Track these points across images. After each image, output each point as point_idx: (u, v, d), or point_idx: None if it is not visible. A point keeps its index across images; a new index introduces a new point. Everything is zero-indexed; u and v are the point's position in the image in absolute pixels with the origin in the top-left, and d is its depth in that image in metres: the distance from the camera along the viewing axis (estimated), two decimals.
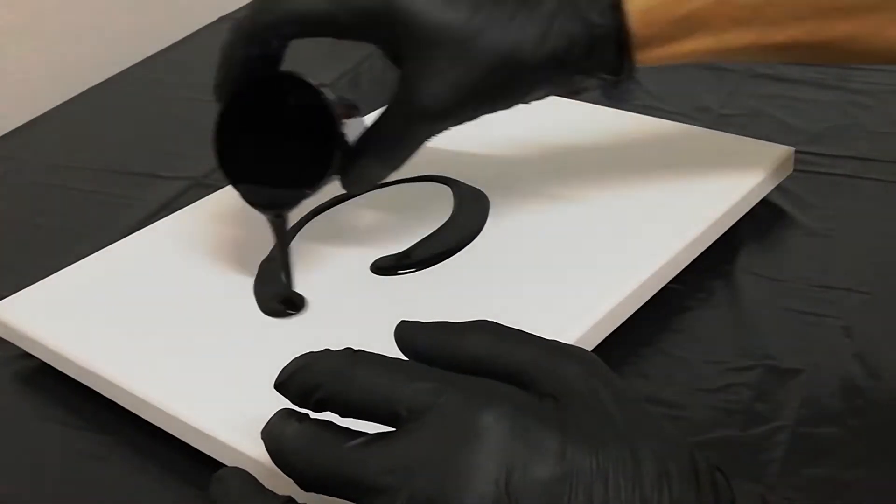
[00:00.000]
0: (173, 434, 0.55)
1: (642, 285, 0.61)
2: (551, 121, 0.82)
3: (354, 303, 0.61)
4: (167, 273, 0.66)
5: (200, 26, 1.19)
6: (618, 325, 0.60)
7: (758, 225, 0.71)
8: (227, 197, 0.75)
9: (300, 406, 0.40)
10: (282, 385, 0.40)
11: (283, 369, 0.41)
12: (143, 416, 0.56)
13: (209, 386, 0.55)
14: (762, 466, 0.52)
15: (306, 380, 0.39)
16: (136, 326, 0.61)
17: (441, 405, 0.36)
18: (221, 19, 1.21)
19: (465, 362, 0.39)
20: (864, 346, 0.60)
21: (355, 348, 0.40)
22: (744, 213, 0.70)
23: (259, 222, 0.70)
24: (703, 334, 0.62)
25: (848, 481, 0.51)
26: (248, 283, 0.64)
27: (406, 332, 0.42)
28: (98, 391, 0.59)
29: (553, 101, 0.86)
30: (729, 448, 0.53)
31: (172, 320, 0.61)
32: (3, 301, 0.64)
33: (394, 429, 0.37)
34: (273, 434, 0.39)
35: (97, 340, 0.60)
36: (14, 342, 0.63)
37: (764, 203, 0.72)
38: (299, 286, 0.63)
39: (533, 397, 0.37)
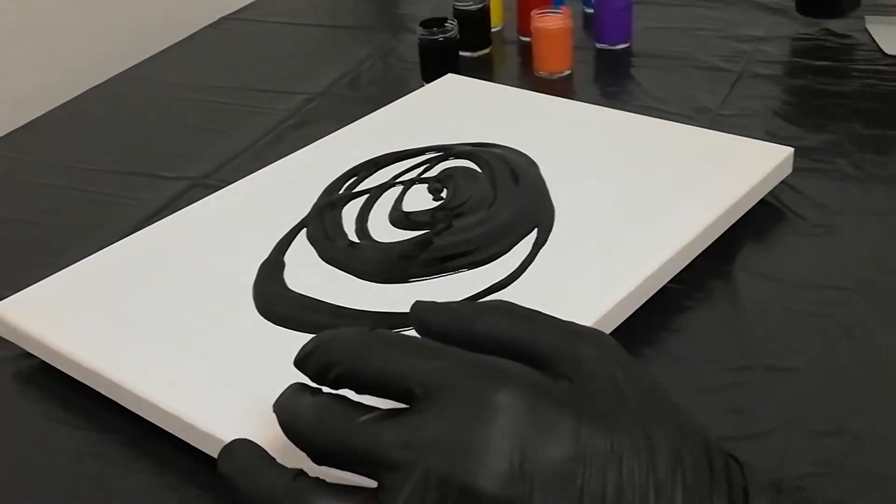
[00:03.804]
0: (173, 433, 0.55)
1: (642, 285, 0.61)
2: (550, 121, 0.82)
3: (354, 303, 0.61)
4: (167, 273, 0.66)
5: (200, 26, 1.19)
6: (618, 324, 0.60)
7: (757, 225, 0.71)
8: (227, 197, 0.75)
9: (318, 383, 0.40)
10: (300, 362, 0.41)
11: (301, 347, 0.41)
12: (143, 415, 0.56)
13: (209, 385, 0.55)
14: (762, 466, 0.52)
15: (324, 357, 0.40)
16: (136, 326, 0.61)
17: (456, 383, 0.36)
18: (221, 19, 1.21)
19: (481, 342, 0.39)
20: (864, 346, 0.60)
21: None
22: (743, 213, 0.70)
23: (259, 223, 0.71)
24: (703, 334, 0.62)
25: (848, 481, 0.51)
26: (248, 283, 0.64)
27: (421, 312, 0.42)
28: (98, 390, 0.59)
29: (552, 100, 0.86)
30: (728, 448, 0.53)
31: (172, 320, 0.61)
32: (3, 301, 0.64)
33: (408, 406, 0.37)
34: (286, 407, 0.39)
35: (97, 340, 0.60)
36: (15, 342, 0.63)
37: (763, 203, 0.72)
38: (298, 287, 0.63)
39: (548, 378, 0.37)
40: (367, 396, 0.39)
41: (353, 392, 0.39)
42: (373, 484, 0.37)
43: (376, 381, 0.38)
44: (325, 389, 0.40)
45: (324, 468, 0.38)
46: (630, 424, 0.36)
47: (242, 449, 0.40)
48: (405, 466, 0.35)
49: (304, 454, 0.39)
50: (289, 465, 0.39)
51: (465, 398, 0.36)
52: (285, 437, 0.40)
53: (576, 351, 0.38)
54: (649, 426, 0.36)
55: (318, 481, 0.38)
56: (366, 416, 0.37)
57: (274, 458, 0.39)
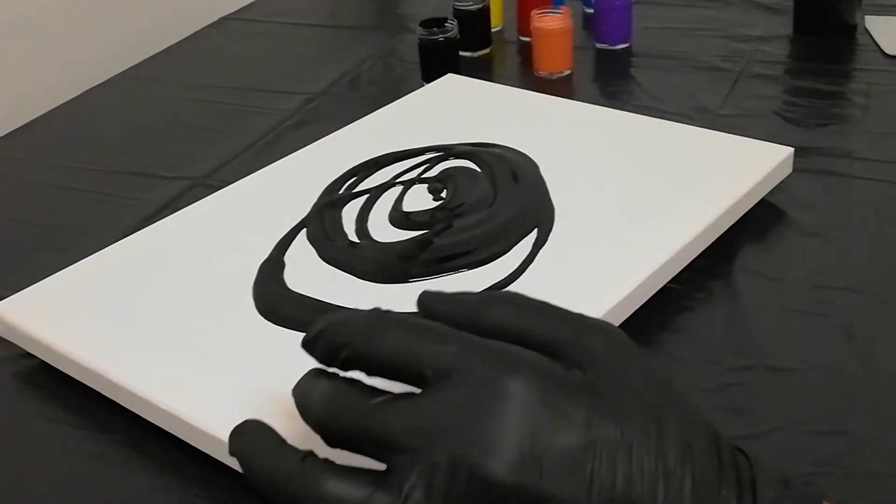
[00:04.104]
0: (173, 433, 0.55)
1: (642, 285, 0.61)
2: (550, 121, 0.82)
3: (354, 303, 0.61)
4: (167, 273, 0.66)
5: (200, 26, 1.19)
6: (618, 324, 0.60)
7: (757, 225, 0.71)
8: (227, 197, 0.75)
9: (327, 364, 0.40)
10: (309, 343, 0.40)
11: (311, 327, 0.40)
12: (143, 416, 0.56)
13: (208, 385, 0.55)
14: None
15: (334, 338, 0.39)
16: (136, 326, 0.61)
17: (467, 368, 0.36)
18: (221, 19, 1.21)
19: (491, 332, 0.39)
20: (864, 346, 0.60)
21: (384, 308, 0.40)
22: (743, 213, 0.70)
23: (259, 223, 0.71)
24: (703, 334, 0.62)
25: (848, 481, 0.51)
26: (248, 283, 0.64)
27: (428, 301, 0.41)
28: (98, 391, 0.59)
29: (552, 100, 0.86)
30: None
31: (172, 320, 0.61)
32: (3, 301, 0.64)
33: (419, 389, 0.37)
34: (302, 391, 0.39)
35: (97, 340, 0.60)
36: (14, 342, 0.63)
37: (763, 203, 0.72)
38: (298, 287, 0.63)
39: (560, 367, 0.37)
40: (379, 380, 0.39)
41: (364, 375, 0.39)
42: (382, 466, 0.37)
43: (387, 363, 0.38)
44: (341, 374, 0.39)
45: (335, 450, 0.38)
46: (641, 414, 0.35)
47: (254, 429, 0.40)
48: (414, 451, 0.35)
49: (318, 439, 0.39)
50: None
51: (477, 383, 0.36)
52: (290, 428, 0.40)
53: (586, 341, 0.38)
54: (660, 416, 0.36)
55: (328, 462, 0.37)
56: (377, 400, 0.37)
57: (284, 440, 0.39)
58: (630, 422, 0.35)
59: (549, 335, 0.38)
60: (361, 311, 0.40)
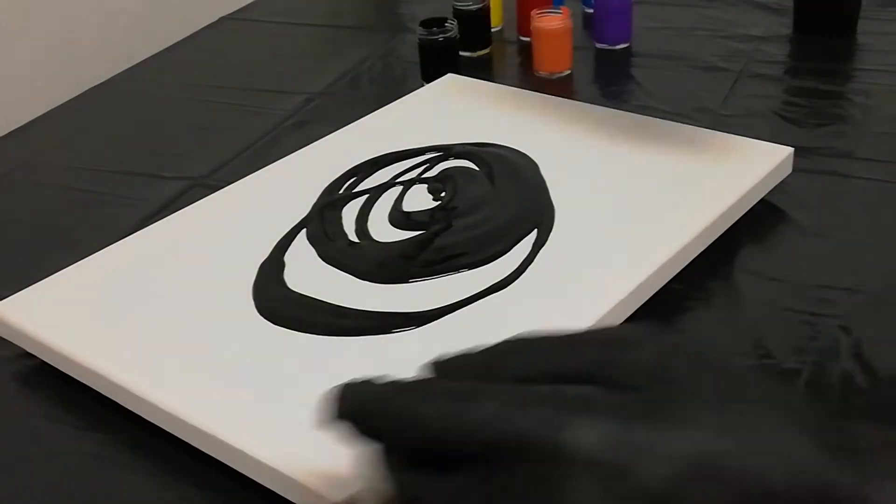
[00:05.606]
0: (173, 433, 0.55)
1: (642, 285, 0.61)
2: (551, 121, 0.82)
3: (354, 303, 0.61)
4: (167, 273, 0.66)
5: (200, 26, 1.19)
6: (618, 324, 0.60)
7: (757, 225, 0.71)
8: (227, 197, 0.75)
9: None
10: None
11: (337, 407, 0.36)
12: (142, 415, 0.56)
13: (208, 385, 0.55)
14: None
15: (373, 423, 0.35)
16: (135, 326, 0.61)
17: (518, 433, 0.31)
18: (221, 19, 1.21)
19: (520, 380, 0.33)
20: (864, 346, 0.60)
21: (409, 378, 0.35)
22: (743, 213, 0.70)
23: (259, 223, 0.71)
24: (704, 334, 0.62)
25: None
26: (248, 283, 0.64)
27: (441, 367, 0.36)
28: (98, 391, 0.59)
29: (552, 101, 0.86)
30: None
31: (172, 320, 0.61)
32: (3, 301, 0.64)
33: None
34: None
35: (97, 340, 0.60)
36: (14, 342, 0.63)
37: (763, 203, 0.72)
38: (298, 287, 0.63)
39: (611, 394, 0.31)
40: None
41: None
42: None
43: (433, 439, 0.33)
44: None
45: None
46: (711, 416, 0.31)
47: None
48: None
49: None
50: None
51: (533, 451, 0.31)
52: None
53: (625, 358, 0.33)
54: (732, 411, 0.31)
55: None
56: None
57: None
58: (701, 430, 0.30)
59: (586, 368, 0.33)
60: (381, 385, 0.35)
